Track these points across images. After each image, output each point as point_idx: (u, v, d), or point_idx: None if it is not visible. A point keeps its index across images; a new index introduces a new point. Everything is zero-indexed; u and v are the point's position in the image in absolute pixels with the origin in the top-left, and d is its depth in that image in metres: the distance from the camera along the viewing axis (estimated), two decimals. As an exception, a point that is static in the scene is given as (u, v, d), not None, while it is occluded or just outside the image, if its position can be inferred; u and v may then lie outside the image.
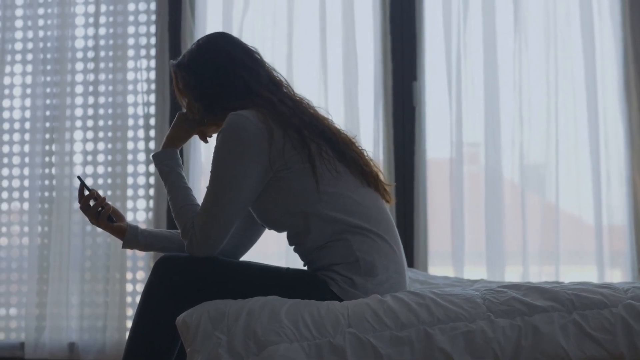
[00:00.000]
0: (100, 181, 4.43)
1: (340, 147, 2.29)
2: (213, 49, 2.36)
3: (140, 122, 4.42)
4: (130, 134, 4.42)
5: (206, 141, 2.48)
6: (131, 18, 4.49)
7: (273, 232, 2.46)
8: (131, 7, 4.48)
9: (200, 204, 2.24)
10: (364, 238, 2.19)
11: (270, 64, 2.42)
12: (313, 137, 2.23)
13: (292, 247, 2.32)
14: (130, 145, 4.41)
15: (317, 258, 2.22)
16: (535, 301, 2.00)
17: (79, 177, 2.44)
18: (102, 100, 4.45)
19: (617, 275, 4.09)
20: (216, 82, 2.31)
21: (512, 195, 4.18)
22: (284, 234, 2.34)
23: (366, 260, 2.16)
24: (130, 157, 4.41)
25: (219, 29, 4.36)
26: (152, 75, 4.45)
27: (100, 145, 4.45)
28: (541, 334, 1.93)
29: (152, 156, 2.40)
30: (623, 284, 2.20)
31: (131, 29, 4.48)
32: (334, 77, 4.29)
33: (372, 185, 2.33)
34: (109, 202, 2.48)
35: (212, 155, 2.24)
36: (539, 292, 2.04)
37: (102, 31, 4.49)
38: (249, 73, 2.33)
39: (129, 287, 4.36)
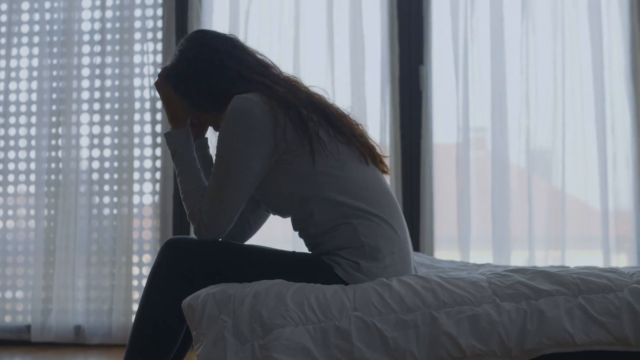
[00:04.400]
0: (106, 164, 4.43)
1: (337, 123, 2.27)
2: (197, 46, 2.34)
3: (147, 105, 4.42)
4: (136, 117, 4.42)
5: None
6: (138, 1, 4.48)
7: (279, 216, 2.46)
8: (138, -10, 4.49)
9: (207, 188, 2.23)
10: (369, 222, 2.18)
11: (252, 47, 2.40)
12: (311, 114, 2.22)
13: (297, 232, 2.32)
14: (136, 128, 4.42)
15: (322, 242, 2.22)
16: (541, 285, 2.00)
17: None
18: (108, 83, 4.45)
19: (623, 260, 4.09)
20: (210, 77, 2.29)
21: (519, 180, 4.18)
22: (289, 220, 2.34)
23: (371, 245, 2.16)
24: (136, 140, 4.41)
25: (226, 12, 4.37)
26: (159, 58, 4.45)
27: (107, 129, 4.45)
28: (547, 318, 1.93)
29: (164, 134, 2.39)
30: (629, 269, 2.20)
31: (138, 12, 4.48)
32: (341, 61, 4.28)
33: (369, 158, 2.31)
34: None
35: (216, 139, 2.23)
36: (545, 276, 2.04)
37: (108, 14, 4.49)
38: (237, 61, 2.31)
39: (135, 270, 4.38)
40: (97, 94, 4.47)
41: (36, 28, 4.57)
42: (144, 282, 2.20)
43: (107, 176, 4.43)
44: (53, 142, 4.48)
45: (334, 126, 2.26)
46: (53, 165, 4.47)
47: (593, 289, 1.99)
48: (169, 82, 2.35)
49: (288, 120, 2.18)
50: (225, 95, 2.26)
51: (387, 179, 3.90)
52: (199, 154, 2.44)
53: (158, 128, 4.40)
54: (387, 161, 2.41)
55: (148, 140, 4.42)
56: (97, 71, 4.47)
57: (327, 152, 2.20)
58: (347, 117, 2.34)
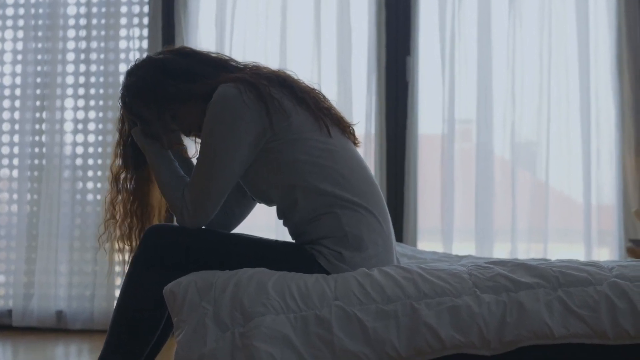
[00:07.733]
0: (90, 150, 4.42)
1: (301, 95, 2.26)
2: (149, 64, 2.37)
3: (132, 91, 4.39)
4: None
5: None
6: (124, -14, 4.46)
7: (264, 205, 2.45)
8: (124, -26, 4.46)
9: (191, 176, 2.23)
10: (353, 212, 2.18)
11: (203, 50, 2.39)
12: (271, 85, 2.22)
13: (282, 220, 2.32)
14: (121, 114, 4.39)
15: (305, 231, 2.22)
16: (521, 277, 2.01)
17: None
18: (93, 68, 4.43)
19: (604, 254, 4.12)
20: (183, 75, 2.29)
21: (503, 173, 4.19)
22: (272, 207, 2.34)
23: (354, 235, 2.16)
24: (121, 126, 4.39)
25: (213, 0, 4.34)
26: (145, 44, 4.42)
27: (92, 114, 4.43)
28: (526, 310, 1.94)
29: (132, 131, 2.36)
30: (609, 262, 2.21)
31: (124, -3, 4.45)
32: (328, 51, 4.28)
33: (338, 129, 2.30)
34: None
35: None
36: (525, 269, 2.05)
37: (94, -2, 4.47)
38: (198, 62, 2.31)
39: (118, 256, 4.35)
40: (82, 79, 4.44)
41: (21, 11, 4.54)
42: (127, 268, 2.20)
43: (90, 161, 4.42)
44: (37, 126, 4.46)
45: (297, 97, 2.25)
46: (37, 149, 4.45)
47: (572, 282, 1.99)
48: (140, 101, 2.34)
49: (271, 103, 2.18)
50: (190, 99, 2.26)
51: (372, 168, 3.93)
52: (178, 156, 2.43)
53: (143, 114, 4.38)
54: (353, 131, 2.40)
55: (133, 126, 4.40)
56: (82, 56, 4.45)
57: (318, 143, 2.20)
58: (313, 90, 2.33)
